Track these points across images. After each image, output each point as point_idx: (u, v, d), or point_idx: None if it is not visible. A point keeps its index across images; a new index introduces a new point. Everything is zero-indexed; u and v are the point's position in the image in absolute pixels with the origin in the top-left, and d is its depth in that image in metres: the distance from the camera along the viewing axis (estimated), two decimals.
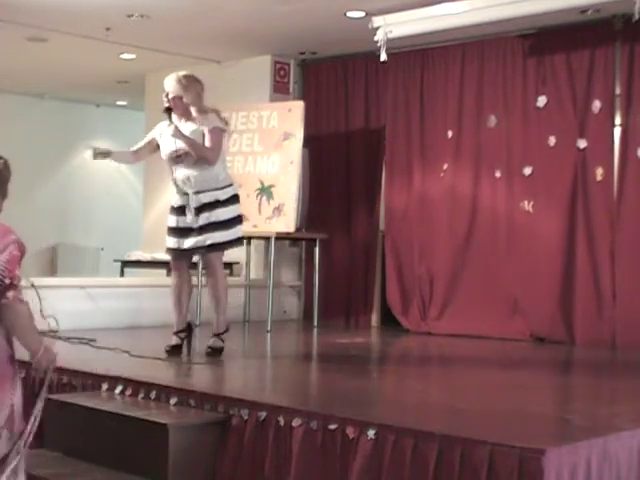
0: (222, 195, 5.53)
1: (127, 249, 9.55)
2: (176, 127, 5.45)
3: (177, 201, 5.63)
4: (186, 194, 5.55)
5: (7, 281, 2.97)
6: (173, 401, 4.28)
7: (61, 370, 4.85)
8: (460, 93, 7.67)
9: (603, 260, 6.88)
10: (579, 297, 6.98)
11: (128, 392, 4.50)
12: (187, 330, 5.75)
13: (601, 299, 6.88)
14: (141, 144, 5.82)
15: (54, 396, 4.57)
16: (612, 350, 6.67)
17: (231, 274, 8.61)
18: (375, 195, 8.23)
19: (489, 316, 7.37)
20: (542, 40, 7.25)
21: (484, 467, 3.15)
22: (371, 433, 3.48)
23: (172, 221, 5.62)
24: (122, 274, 9.12)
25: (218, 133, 5.53)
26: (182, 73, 5.61)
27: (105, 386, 4.61)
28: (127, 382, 4.54)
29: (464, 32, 7.07)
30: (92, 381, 4.71)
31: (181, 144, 5.48)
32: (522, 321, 7.25)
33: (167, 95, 5.56)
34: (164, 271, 8.77)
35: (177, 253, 5.62)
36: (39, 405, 3.19)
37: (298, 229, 7.70)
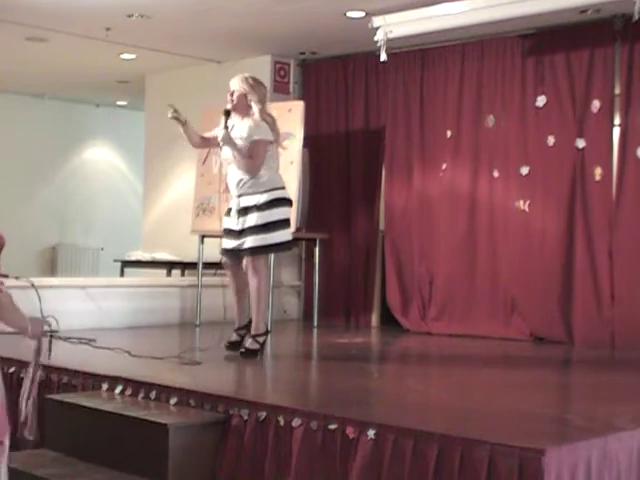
0: (262, 199, 5.55)
1: (127, 249, 9.55)
2: (227, 133, 5.54)
3: (230, 203, 5.71)
4: (236, 196, 5.63)
5: None
6: (173, 401, 4.28)
7: (61, 370, 4.86)
8: (460, 93, 7.68)
9: (602, 260, 6.88)
10: (578, 297, 6.98)
11: (128, 392, 4.50)
12: (247, 327, 5.74)
13: (600, 299, 6.88)
14: (210, 134, 5.80)
15: (54, 396, 4.58)
16: (611, 350, 6.67)
17: None
18: (375, 195, 8.23)
19: (489, 316, 7.37)
20: (542, 40, 7.25)
21: (484, 467, 3.15)
22: (371, 433, 3.49)
23: (224, 222, 5.72)
24: (122, 274, 9.12)
25: (263, 145, 5.57)
26: (248, 74, 5.71)
27: (105, 386, 4.61)
28: (127, 382, 4.54)
29: (464, 32, 7.07)
30: (92, 381, 4.71)
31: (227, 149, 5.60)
32: (521, 321, 7.25)
33: (232, 94, 5.62)
34: (164, 271, 8.80)
35: (225, 253, 5.70)
36: (33, 370, 3.45)
37: (298, 229, 7.69)
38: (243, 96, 5.59)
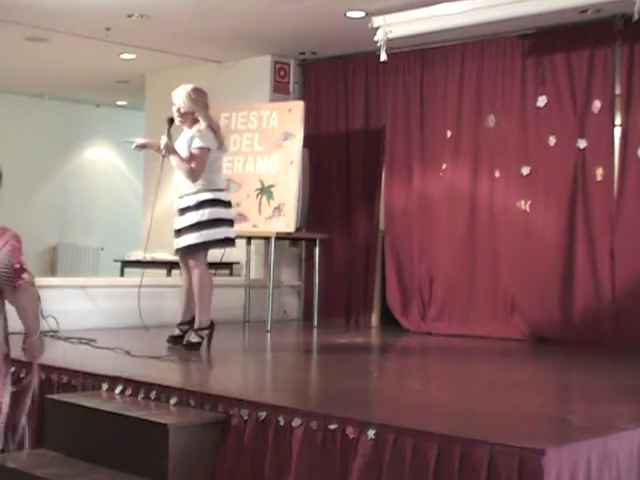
0: (192, 201, 5.85)
1: (127, 249, 9.55)
2: (168, 142, 5.87)
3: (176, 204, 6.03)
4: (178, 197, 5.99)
5: (17, 265, 3.37)
6: (173, 401, 4.28)
7: (61, 370, 4.86)
8: (460, 93, 7.67)
9: (603, 260, 6.88)
10: (579, 297, 6.98)
11: (128, 392, 4.50)
12: (190, 323, 5.97)
13: (600, 299, 6.88)
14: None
15: (54, 396, 4.58)
16: (611, 350, 6.67)
17: (231, 274, 8.62)
18: (375, 195, 8.23)
19: (489, 316, 7.37)
20: (542, 40, 7.25)
21: (484, 467, 3.15)
22: (371, 433, 3.49)
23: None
24: (122, 274, 9.12)
25: (204, 153, 5.83)
26: (190, 87, 5.99)
27: (105, 386, 4.61)
28: (127, 382, 4.54)
29: (464, 32, 7.07)
30: (92, 381, 4.71)
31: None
32: (522, 321, 7.25)
33: (179, 110, 5.92)
34: (164, 271, 8.79)
35: (176, 252, 6.04)
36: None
37: (298, 229, 7.70)
38: (190, 113, 5.90)
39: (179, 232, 5.88)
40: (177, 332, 6.01)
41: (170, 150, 5.84)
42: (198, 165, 5.79)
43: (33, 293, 3.43)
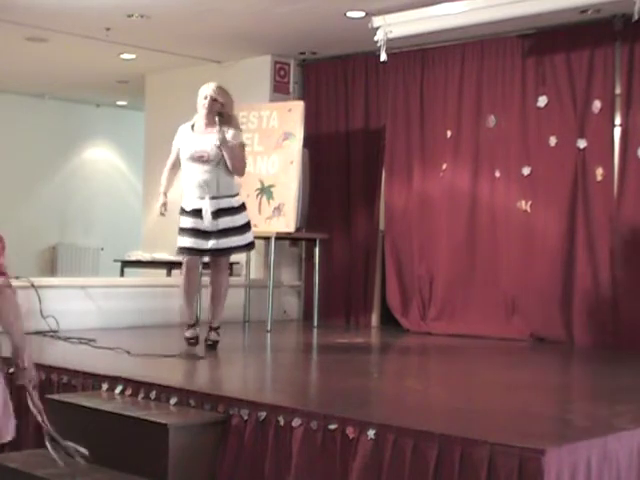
0: (235, 203, 5.82)
1: (127, 249, 9.55)
2: (224, 136, 5.71)
3: (192, 204, 5.79)
4: (202, 198, 5.75)
5: None
6: (173, 401, 4.28)
7: (61, 370, 4.86)
8: (460, 93, 7.67)
9: (603, 260, 6.87)
10: (579, 297, 6.98)
11: (128, 392, 4.50)
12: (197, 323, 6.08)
13: (601, 299, 6.87)
14: (173, 157, 6.09)
15: (54, 396, 4.58)
16: (611, 350, 6.67)
17: (231, 274, 8.60)
18: (375, 195, 8.23)
19: (489, 316, 7.37)
20: (542, 40, 7.25)
21: (484, 467, 3.15)
22: (371, 433, 3.49)
23: (188, 222, 5.80)
24: (122, 274, 9.12)
25: (244, 149, 5.93)
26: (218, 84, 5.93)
27: (105, 386, 4.61)
28: (127, 382, 4.54)
29: (464, 32, 7.07)
30: (92, 381, 4.71)
31: (209, 148, 5.75)
32: (522, 321, 7.25)
33: (215, 100, 5.79)
34: (164, 271, 8.79)
35: (194, 253, 5.83)
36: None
37: (298, 229, 7.70)
38: (221, 105, 5.81)
39: (216, 233, 5.74)
40: (192, 334, 5.93)
41: (225, 142, 5.71)
42: (244, 160, 5.91)
43: (10, 298, 3.15)
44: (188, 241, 5.78)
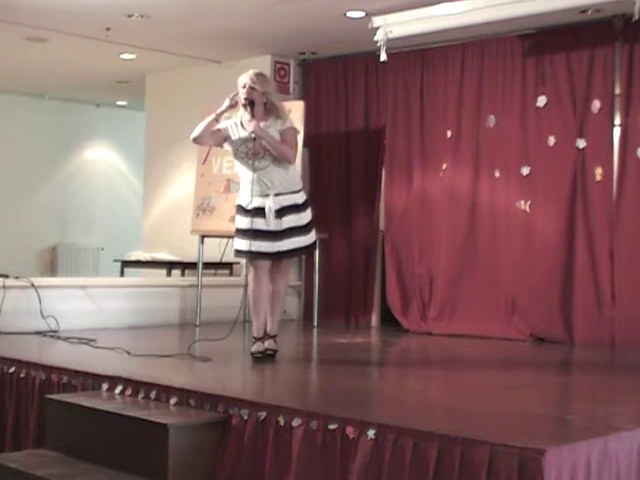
0: (299, 199, 5.43)
1: (127, 249, 9.56)
2: (258, 124, 5.28)
3: (251, 202, 5.34)
4: (265, 195, 5.34)
5: None
6: (173, 401, 4.28)
7: (61, 370, 4.86)
8: (460, 93, 7.68)
9: (602, 260, 6.88)
10: (578, 297, 6.98)
11: (128, 392, 4.50)
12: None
13: (600, 299, 6.88)
14: (219, 126, 5.46)
15: (54, 396, 4.58)
16: (611, 350, 6.68)
17: (231, 274, 8.62)
18: (375, 195, 8.23)
19: (489, 316, 7.37)
20: (542, 40, 7.25)
21: (484, 467, 3.15)
22: (371, 433, 3.48)
23: (245, 223, 5.36)
24: (122, 274, 9.13)
25: (294, 133, 5.46)
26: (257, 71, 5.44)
27: (105, 386, 4.61)
28: (127, 382, 4.54)
29: (464, 32, 7.08)
30: (92, 381, 4.71)
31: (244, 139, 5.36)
32: (522, 321, 7.25)
33: (254, 88, 5.29)
34: (164, 271, 8.80)
35: (255, 256, 5.40)
36: None
37: None
38: (261, 93, 5.32)
39: (280, 233, 5.33)
40: (258, 348, 5.52)
41: (262, 132, 5.27)
42: (294, 146, 5.42)
43: None
44: (248, 243, 5.31)
